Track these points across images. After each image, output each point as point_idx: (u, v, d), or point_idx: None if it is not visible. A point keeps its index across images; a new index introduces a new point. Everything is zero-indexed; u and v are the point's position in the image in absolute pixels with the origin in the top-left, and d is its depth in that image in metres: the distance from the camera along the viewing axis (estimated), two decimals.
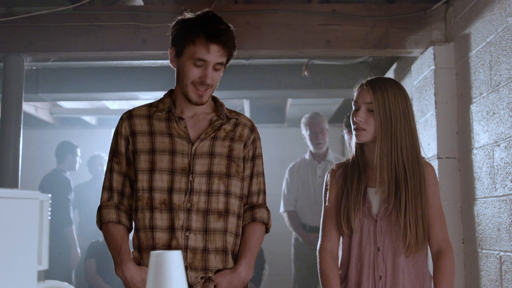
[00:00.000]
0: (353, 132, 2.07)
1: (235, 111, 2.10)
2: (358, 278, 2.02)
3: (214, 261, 1.93)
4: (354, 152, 2.13)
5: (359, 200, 2.03)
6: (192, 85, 1.93)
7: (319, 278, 2.09)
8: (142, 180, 1.96)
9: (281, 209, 4.51)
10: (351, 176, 2.07)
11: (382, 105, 2.01)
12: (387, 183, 2.01)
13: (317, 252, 2.11)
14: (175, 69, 2.02)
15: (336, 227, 2.07)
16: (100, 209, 2.03)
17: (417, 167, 2.02)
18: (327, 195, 2.12)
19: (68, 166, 5.43)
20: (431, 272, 2.09)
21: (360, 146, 2.11)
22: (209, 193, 1.95)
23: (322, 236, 2.11)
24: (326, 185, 2.15)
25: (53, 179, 5.26)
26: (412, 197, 1.99)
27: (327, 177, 2.16)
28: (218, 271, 1.95)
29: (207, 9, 1.97)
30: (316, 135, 4.45)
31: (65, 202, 5.13)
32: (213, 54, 1.89)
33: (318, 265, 2.10)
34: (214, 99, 2.10)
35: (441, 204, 2.09)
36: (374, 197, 2.04)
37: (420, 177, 2.01)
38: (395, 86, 2.05)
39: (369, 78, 2.10)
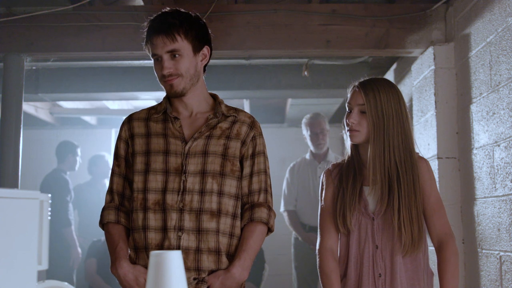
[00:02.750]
0: (347, 133, 2.08)
1: (234, 108, 2.07)
2: (358, 277, 2.02)
3: (207, 262, 1.92)
4: (349, 152, 2.14)
5: (355, 199, 2.04)
6: (162, 80, 1.97)
7: (319, 277, 2.08)
8: (138, 181, 1.98)
9: (281, 209, 4.52)
10: (347, 176, 2.08)
11: (374, 106, 2.02)
12: (380, 183, 2.02)
13: (317, 251, 2.11)
14: None
15: (334, 225, 2.08)
16: (102, 210, 2.07)
17: (410, 166, 2.01)
18: (323, 194, 2.13)
19: (68, 166, 5.40)
20: (432, 269, 2.09)
21: (355, 146, 2.12)
22: (202, 192, 1.94)
23: (321, 235, 2.11)
24: (322, 185, 2.16)
25: (53, 180, 5.24)
26: (406, 197, 1.99)
27: (323, 176, 2.17)
28: (211, 272, 1.94)
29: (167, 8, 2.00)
30: (316, 136, 4.46)
31: (63, 204, 5.12)
32: (159, 45, 1.92)
33: (318, 263, 2.09)
34: (214, 97, 2.09)
35: (439, 196, 2.09)
36: (370, 196, 2.05)
37: (413, 177, 2.01)
38: (388, 87, 2.05)
39: (361, 80, 2.10)
